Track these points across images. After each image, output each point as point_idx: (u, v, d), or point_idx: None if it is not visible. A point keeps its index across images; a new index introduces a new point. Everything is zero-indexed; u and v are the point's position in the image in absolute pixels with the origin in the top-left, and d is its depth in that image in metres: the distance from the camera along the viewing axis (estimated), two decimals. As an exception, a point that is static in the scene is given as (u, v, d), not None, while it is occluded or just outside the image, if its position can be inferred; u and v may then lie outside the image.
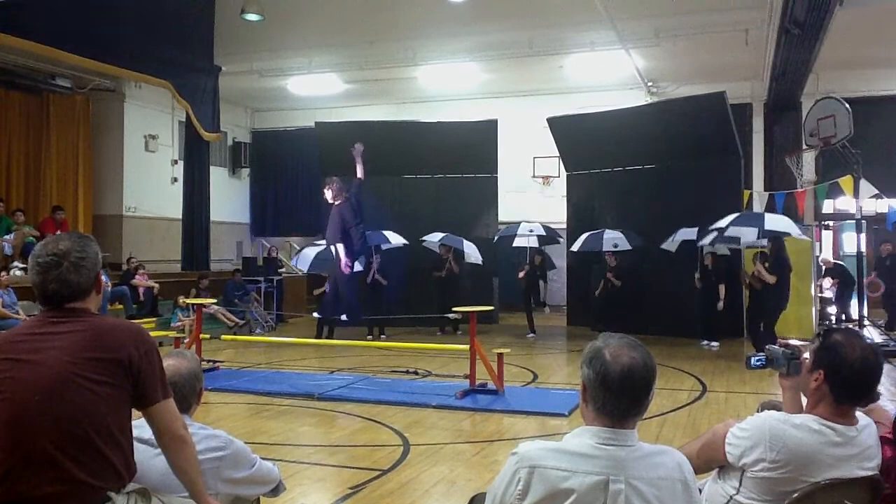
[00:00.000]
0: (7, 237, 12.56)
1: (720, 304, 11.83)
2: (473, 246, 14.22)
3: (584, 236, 13.47)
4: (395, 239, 13.72)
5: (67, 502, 2.23)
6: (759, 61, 14.55)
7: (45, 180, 15.65)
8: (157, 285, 13.86)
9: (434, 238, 14.04)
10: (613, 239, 12.99)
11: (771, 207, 14.64)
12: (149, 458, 2.57)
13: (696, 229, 12.12)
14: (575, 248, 13.60)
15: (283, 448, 6.02)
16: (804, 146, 14.27)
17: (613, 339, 2.15)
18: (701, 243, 11.81)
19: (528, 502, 2.05)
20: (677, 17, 12.87)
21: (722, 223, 11.00)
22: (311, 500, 4.76)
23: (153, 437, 2.54)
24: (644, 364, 2.09)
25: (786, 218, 11.37)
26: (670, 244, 12.60)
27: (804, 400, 2.58)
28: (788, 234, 10.69)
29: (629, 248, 12.93)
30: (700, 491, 2.61)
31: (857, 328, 11.61)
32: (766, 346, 2.82)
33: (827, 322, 13.59)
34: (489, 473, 5.13)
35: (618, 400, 2.08)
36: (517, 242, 13.95)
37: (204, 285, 14.17)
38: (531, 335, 13.61)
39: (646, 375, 2.08)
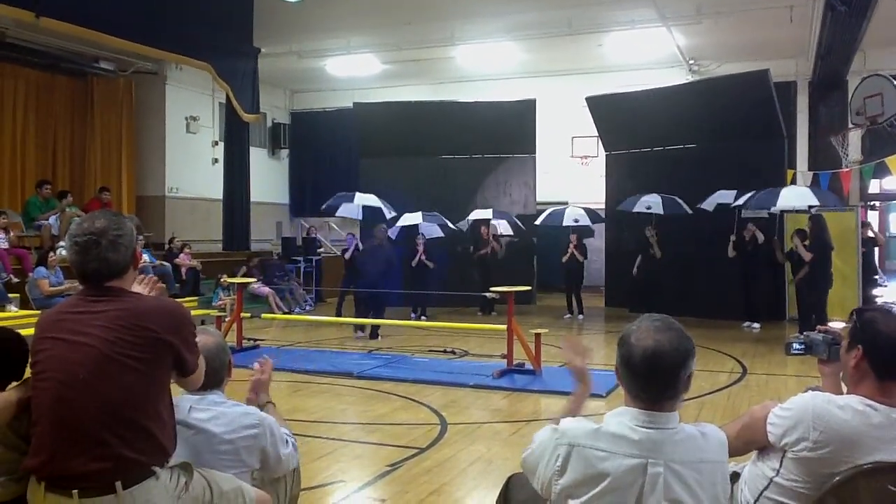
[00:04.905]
0: (53, 218, 12.85)
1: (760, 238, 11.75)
2: (504, 222, 14.30)
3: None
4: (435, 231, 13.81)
5: (114, 478, 2.29)
6: (803, 39, 14.22)
7: (89, 162, 15.94)
8: (200, 265, 14.07)
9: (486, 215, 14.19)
10: (648, 201, 12.69)
11: (815, 188, 14.40)
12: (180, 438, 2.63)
13: (734, 192, 11.91)
14: (621, 207, 13.40)
15: (323, 425, 6.11)
16: (850, 125, 13.99)
17: (646, 321, 2.14)
18: (736, 204, 11.67)
19: (566, 480, 2.07)
20: (720, -7, 12.63)
21: (739, 201, 11.06)
22: (349, 477, 4.83)
23: (184, 418, 2.64)
24: (671, 347, 2.06)
25: (803, 189, 11.05)
26: (707, 204, 12.39)
27: (845, 388, 2.55)
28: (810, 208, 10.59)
29: (661, 212, 12.63)
30: (739, 475, 2.60)
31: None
32: (805, 333, 2.80)
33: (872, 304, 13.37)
34: (526, 453, 5.14)
35: (643, 383, 2.08)
36: (564, 222, 13.91)
37: (254, 263, 14.34)
38: (567, 316, 13.58)
39: (673, 359, 2.06)
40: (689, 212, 12.64)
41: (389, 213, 13.14)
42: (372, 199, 13.02)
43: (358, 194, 13.17)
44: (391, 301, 12.07)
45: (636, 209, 12.75)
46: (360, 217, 13.71)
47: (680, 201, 12.69)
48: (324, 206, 13.55)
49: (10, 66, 14.33)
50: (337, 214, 13.73)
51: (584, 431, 2.10)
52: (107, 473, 2.28)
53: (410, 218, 13.40)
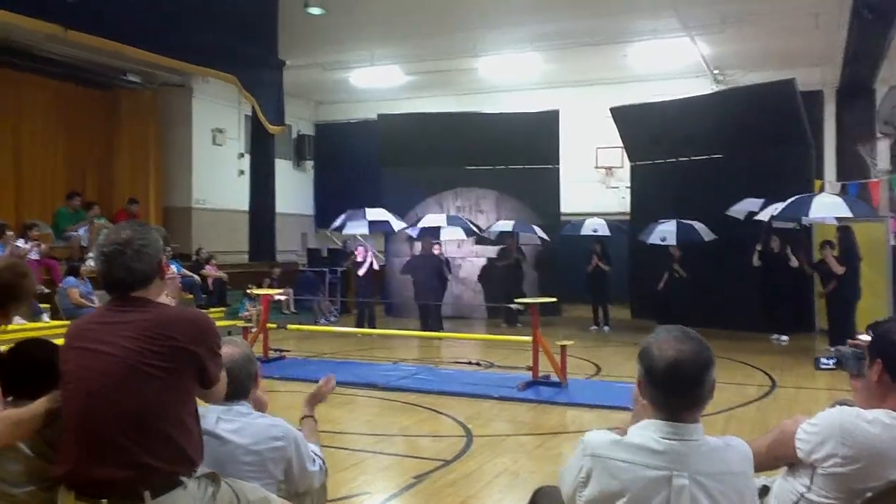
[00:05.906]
0: (82, 229, 13.01)
1: (794, 262, 11.58)
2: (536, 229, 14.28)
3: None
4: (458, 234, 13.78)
5: (140, 487, 2.30)
6: (830, 46, 14.07)
7: (117, 174, 16.12)
8: (226, 276, 14.18)
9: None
10: (662, 232, 12.54)
11: (847, 197, 14.24)
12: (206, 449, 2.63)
13: (762, 200, 11.78)
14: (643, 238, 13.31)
15: (348, 437, 6.12)
16: (878, 134, 13.82)
17: (665, 332, 2.14)
18: (759, 217, 11.52)
19: (590, 491, 2.08)
20: (744, 2, 12.53)
21: (765, 216, 11.02)
22: (375, 489, 4.83)
23: (212, 429, 2.66)
24: (694, 357, 2.06)
25: (835, 199, 10.62)
26: (737, 212, 12.26)
27: None
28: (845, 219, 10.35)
29: (674, 243, 12.47)
30: (768, 489, 2.57)
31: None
32: (836, 347, 2.76)
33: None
34: (552, 466, 5.12)
35: (667, 393, 2.08)
36: (582, 232, 13.88)
37: (276, 275, 14.42)
38: (594, 328, 13.50)
39: (695, 368, 2.06)
40: (707, 238, 12.51)
41: (398, 226, 13.16)
42: (381, 213, 13.01)
43: (368, 210, 13.09)
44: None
45: (650, 241, 12.65)
46: (367, 231, 13.44)
47: (698, 227, 12.51)
48: (335, 226, 13.50)
49: (38, 79, 14.51)
50: (344, 232, 13.59)
51: (607, 442, 2.10)
52: (134, 482, 2.30)
53: (433, 219, 13.39)
